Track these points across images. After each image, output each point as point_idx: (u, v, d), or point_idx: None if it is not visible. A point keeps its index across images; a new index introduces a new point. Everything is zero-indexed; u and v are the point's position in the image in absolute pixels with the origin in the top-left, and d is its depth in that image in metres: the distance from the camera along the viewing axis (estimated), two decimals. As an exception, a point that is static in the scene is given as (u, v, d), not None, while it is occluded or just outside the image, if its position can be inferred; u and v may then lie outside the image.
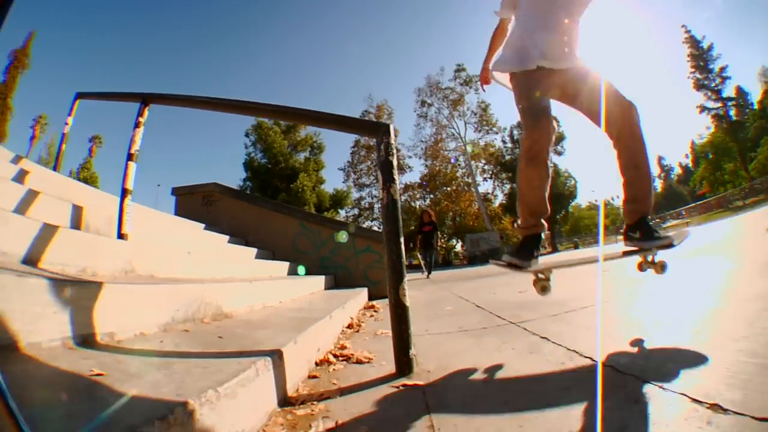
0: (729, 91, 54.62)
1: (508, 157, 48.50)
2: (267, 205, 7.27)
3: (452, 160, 51.19)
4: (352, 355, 2.47)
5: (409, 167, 53.37)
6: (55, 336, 1.45)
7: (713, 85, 53.59)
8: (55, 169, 5.09)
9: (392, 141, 2.42)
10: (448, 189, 50.77)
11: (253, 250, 5.87)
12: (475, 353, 2.44)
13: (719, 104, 53.80)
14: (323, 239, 6.82)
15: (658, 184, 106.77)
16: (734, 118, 54.54)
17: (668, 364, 1.78)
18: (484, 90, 3.36)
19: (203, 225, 6.17)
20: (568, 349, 2.25)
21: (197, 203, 7.44)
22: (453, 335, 3.08)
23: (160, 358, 1.50)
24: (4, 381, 0.87)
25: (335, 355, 2.49)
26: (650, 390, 1.54)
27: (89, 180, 51.60)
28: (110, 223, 3.37)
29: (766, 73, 52.00)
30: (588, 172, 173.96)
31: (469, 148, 50.30)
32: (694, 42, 54.60)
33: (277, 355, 1.68)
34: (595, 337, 2.48)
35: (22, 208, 2.60)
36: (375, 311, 4.75)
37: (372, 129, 2.53)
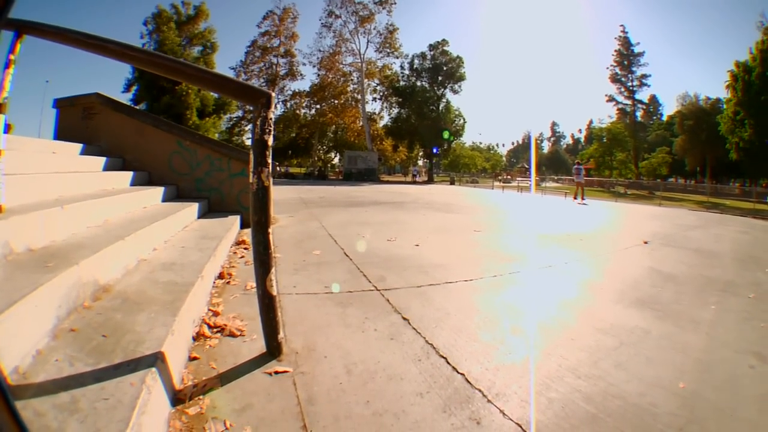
0: (643, 95, 61.39)
1: (402, 84, 48.81)
2: (147, 120, 6.71)
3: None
4: (225, 326, 2.58)
5: (302, 75, 52.82)
6: None
7: (629, 84, 58.41)
8: None
9: (271, 116, 2.23)
10: (336, 102, 50.54)
11: (129, 175, 5.53)
12: (340, 331, 2.63)
13: (629, 102, 58.98)
14: (199, 160, 6.52)
15: (546, 147, 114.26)
16: (640, 119, 60.91)
17: (513, 385, 2.05)
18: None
19: (81, 146, 5.67)
20: (426, 342, 2.49)
21: (77, 116, 6.68)
22: (319, 299, 3.22)
23: (66, 392, 1.53)
24: (3, 381, 0.96)
25: (209, 326, 2.58)
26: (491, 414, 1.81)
27: None
28: None
29: (684, 98, 57.37)
30: (479, 115, 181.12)
31: (364, 66, 49.93)
32: (626, 43, 58.53)
33: (160, 360, 1.77)
34: (455, 327, 2.74)
35: None
36: (246, 248, 4.78)
37: (252, 95, 2.29)
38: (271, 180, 2.24)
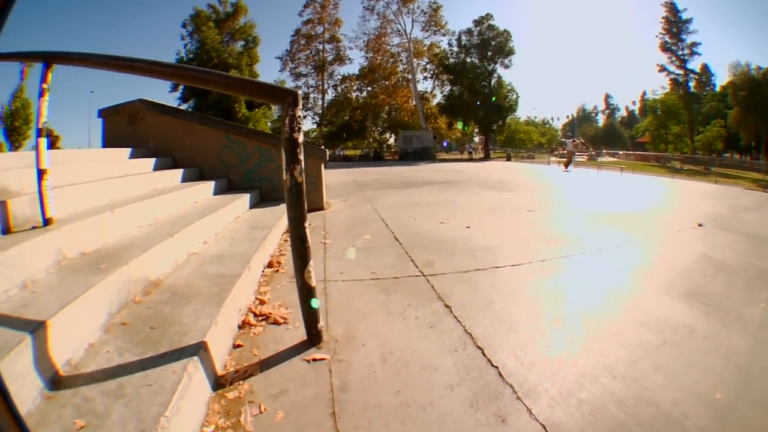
0: (695, 65, 56.10)
1: (452, 61, 47.97)
2: (193, 119, 7.02)
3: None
4: (270, 314, 2.69)
5: (350, 59, 53.06)
6: (34, 392, 1.57)
7: (680, 53, 54.38)
8: None
9: (299, 114, 2.25)
10: (387, 83, 50.57)
11: (179, 172, 5.77)
12: (381, 319, 2.67)
13: (681, 72, 54.91)
14: (248, 152, 6.73)
15: (601, 120, 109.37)
16: (693, 89, 56.29)
17: (545, 383, 2.02)
18: None
19: (129, 150, 5.97)
20: (465, 331, 2.49)
21: (123, 122, 7.03)
22: (365, 285, 3.27)
23: (113, 380, 1.68)
24: (4, 381, 0.97)
25: (255, 314, 2.71)
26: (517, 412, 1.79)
27: (23, 109, 47.89)
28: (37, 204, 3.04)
29: (736, 67, 52.83)
30: (532, 89, 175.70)
31: (411, 46, 49.57)
32: (673, 8, 54.40)
33: (203, 349, 1.90)
34: (496, 316, 2.71)
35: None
36: None
37: (278, 95, 2.35)
38: (304, 176, 2.29)
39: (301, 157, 2.23)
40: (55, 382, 1.68)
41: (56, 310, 1.82)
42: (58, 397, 1.59)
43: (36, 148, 2.90)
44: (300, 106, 2.24)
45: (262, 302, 2.92)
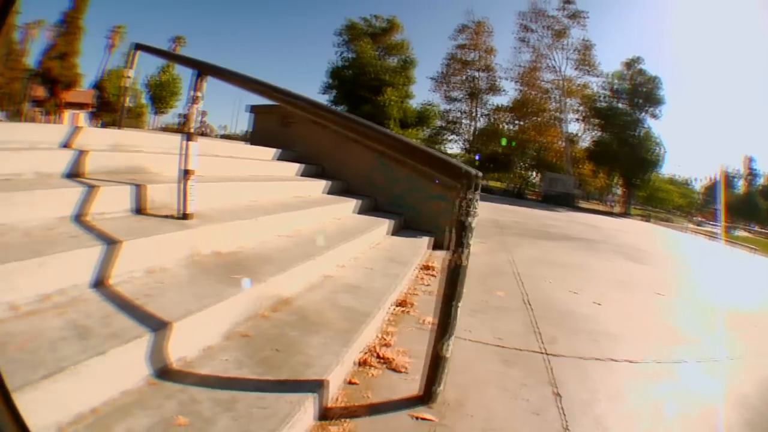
0: None
1: (603, 104, 45.80)
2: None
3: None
4: (392, 360, 2.63)
5: (504, 90, 51.97)
6: (138, 375, 1.70)
7: None
8: (119, 126, 5.19)
9: (475, 198, 2.12)
10: (537, 119, 49.40)
11: (325, 184, 5.92)
12: (494, 393, 2.55)
13: None
14: (398, 177, 6.68)
15: (741, 186, 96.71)
16: None
17: None
18: None
19: (276, 151, 6.29)
20: (564, 428, 2.28)
21: (274, 123, 7.45)
22: (488, 351, 3.12)
23: (226, 390, 1.75)
24: (4, 380, 0.99)
25: (377, 356, 2.66)
26: None
27: (169, 84, 55.65)
28: (175, 191, 3.25)
29: None
30: (680, 144, 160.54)
31: (563, 84, 48.23)
32: None
33: (323, 387, 1.92)
34: (595, 420, 2.45)
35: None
36: (432, 275, 4.75)
37: (454, 173, 2.20)
38: (468, 259, 2.20)
39: (470, 242, 2.15)
40: (164, 372, 1.78)
41: (183, 315, 1.93)
42: (164, 388, 1.69)
43: (186, 150, 3.07)
44: (474, 189, 2.12)
45: (386, 344, 2.87)
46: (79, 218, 2.59)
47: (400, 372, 2.54)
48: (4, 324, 1.66)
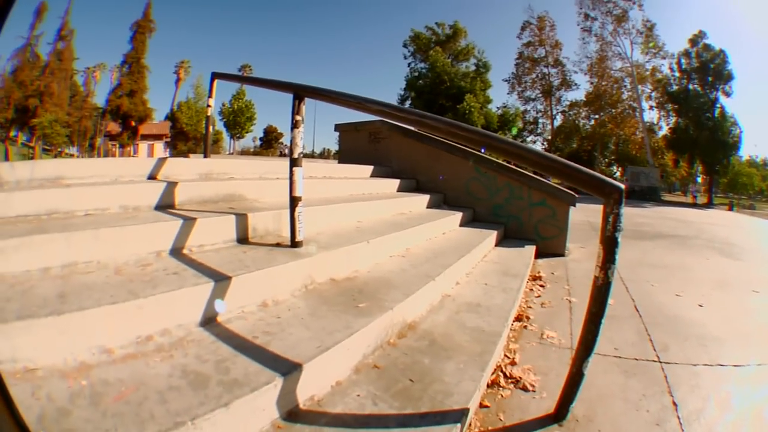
0: None
1: (675, 87, 43.31)
2: (440, 145, 7.04)
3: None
4: (520, 378, 2.57)
5: (576, 85, 51.35)
6: (265, 420, 1.61)
7: None
8: (205, 155, 5.26)
9: (622, 212, 1.99)
10: (613, 111, 47.91)
11: (424, 198, 5.90)
12: (619, 405, 2.50)
13: None
14: (498, 186, 6.59)
15: None
16: None
17: None
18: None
19: (370, 168, 6.32)
20: None
21: (363, 140, 7.51)
22: (607, 363, 3.06)
23: (365, 429, 1.69)
24: (4, 382, 0.97)
25: (505, 375, 2.59)
26: None
27: (244, 110, 58.82)
28: (280, 220, 3.26)
29: None
30: (754, 122, 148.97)
31: (634, 71, 46.21)
32: None
33: (465, 416, 1.86)
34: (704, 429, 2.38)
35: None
36: (541, 286, 4.66)
37: (603, 190, 2.03)
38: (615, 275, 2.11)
39: (617, 256, 2.03)
40: (292, 414, 1.69)
41: (314, 354, 1.84)
42: (293, 431, 1.60)
43: (290, 176, 3.00)
44: (623, 204, 2.02)
45: (512, 362, 2.79)
46: (176, 252, 2.54)
47: (528, 390, 2.49)
48: (95, 370, 1.57)
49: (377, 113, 2.77)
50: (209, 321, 2.07)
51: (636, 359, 3.18)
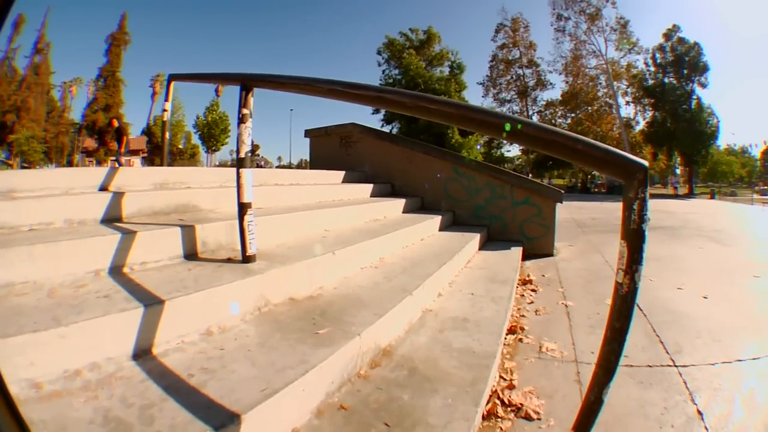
0: None
1: (651, 82, 44.59)
2: (415, 147, 6.86)
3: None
4: (521, 405, 2.18)
5: (551, 84, 52.12)
6: None
7: None
8: (162, 163, 4.93)
9: (648, 196, 1.47)
10: (590, 109, 48.74)
11: (400, 202, 5.64)
12: (639, 424, 2.21)
13: None
14: (478, 186, 6.39)
15: None
16: None
17: None
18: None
19: (342, 173, 6.08)
20: None
21: (334, 145, 7.31)
22: (620, 375, 2.64)
23: None
24: (3, 381, 0.91)
25: (503, 402, 2.20)
26: None
27: (218, 122, 58.79)
28: (234, 232, 2.85)
29: None
30: (730, 111, 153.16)
31: (608, 68, 47.17)
32: None
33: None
34: None
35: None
36: (533, 290, 4.39)
37: (625, 168, 1.53)
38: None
39: (644, 255, 1.51)
40: None
41: (257, 401, 1.46)
42: None
43: (237, 179, 2.64)
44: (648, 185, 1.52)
45: (510, 385, 2.39)
46: (115, 271, 2.26)
47: (532, 419, 2.11)
48: (21, 408, 1.33)
49: (328, 93, 2.22)
50: (144, 353, 1.75)
51: (650, 366, 2.92)
